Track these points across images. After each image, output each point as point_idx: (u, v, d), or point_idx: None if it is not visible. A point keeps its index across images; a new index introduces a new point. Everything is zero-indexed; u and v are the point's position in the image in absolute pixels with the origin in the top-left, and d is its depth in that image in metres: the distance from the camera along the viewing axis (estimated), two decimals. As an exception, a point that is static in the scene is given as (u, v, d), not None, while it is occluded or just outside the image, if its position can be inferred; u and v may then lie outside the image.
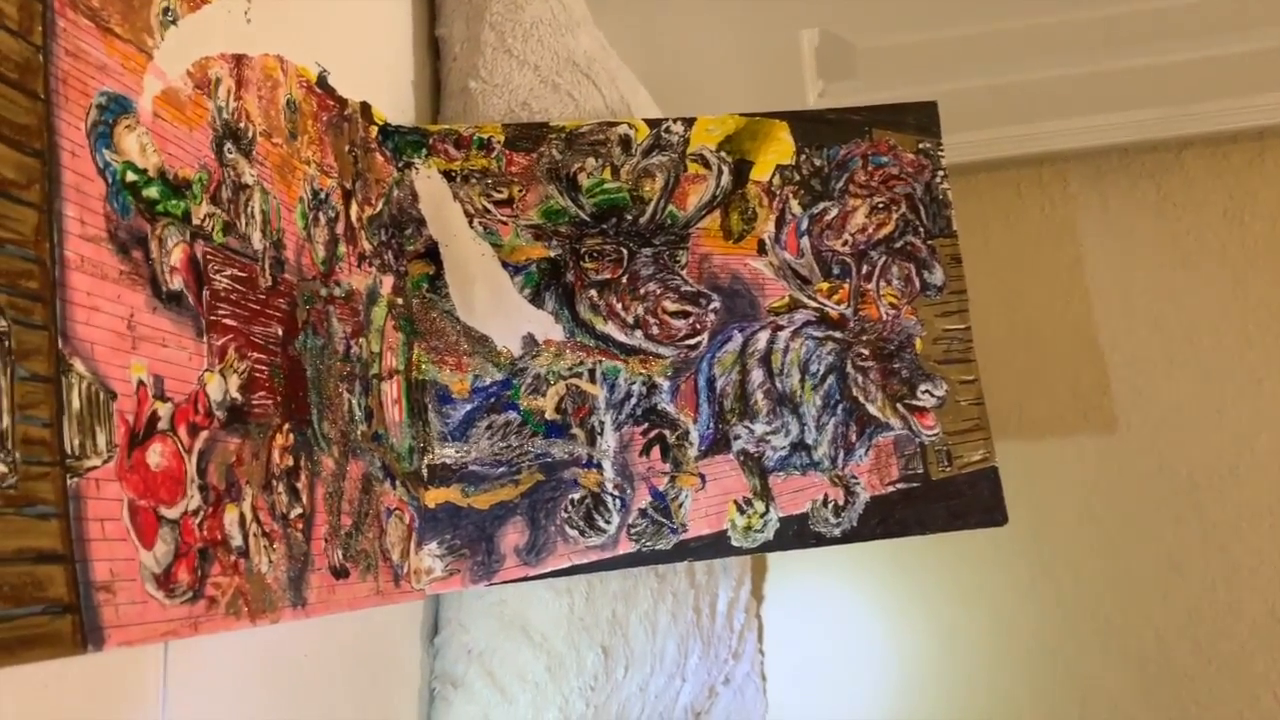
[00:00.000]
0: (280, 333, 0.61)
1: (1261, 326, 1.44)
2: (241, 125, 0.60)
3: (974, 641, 1.50)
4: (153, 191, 0.51)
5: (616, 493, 0.80)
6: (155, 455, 0.48)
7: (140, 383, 0.48)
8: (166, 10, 0.54)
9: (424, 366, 0.79)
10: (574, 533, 0.79)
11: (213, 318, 0.54)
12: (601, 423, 0.81)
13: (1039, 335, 1.53)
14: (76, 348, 0.44)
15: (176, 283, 0.51)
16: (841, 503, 0.84)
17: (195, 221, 0.54)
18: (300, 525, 0.60)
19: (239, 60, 0.60)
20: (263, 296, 0.60)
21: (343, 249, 0.71)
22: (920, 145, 0.90)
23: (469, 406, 0.79)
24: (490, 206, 0.82)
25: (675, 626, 1.02)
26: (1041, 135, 1.46)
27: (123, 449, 0.46)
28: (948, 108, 1.38)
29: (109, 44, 0.49)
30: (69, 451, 0.42)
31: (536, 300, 0.82)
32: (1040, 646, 1.47)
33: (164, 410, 0.49)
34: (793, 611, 1.58)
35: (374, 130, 0.78)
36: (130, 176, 0.49)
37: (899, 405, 0.86)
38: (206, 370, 0.53)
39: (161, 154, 0.52)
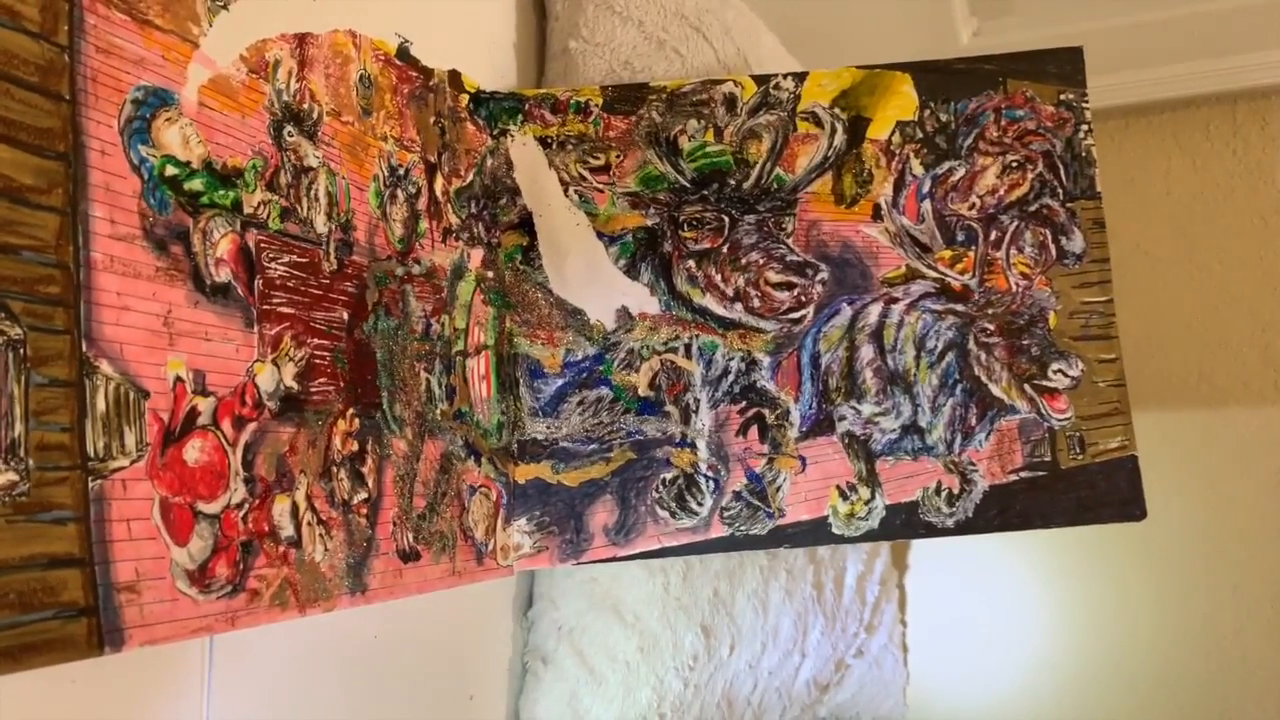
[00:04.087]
0: (345, 317, 0.60)
1: None
2: (305, 106, 0.59)
3: (1140, 620, 1.40)
4: (196, 183, 0.50)
5: (710, 474, 0.77)
6: (193, 451, 0.48)
7: (178, 379, 0.48)
8: (216, -5, 0.53)
9: (516, 340, 0.77)
10: (665, 514, 0.76)
11: (266, 307, 0.54)
12: (697, 400, 0.78)
13: (1226, 292, 1.38)
14: (104, 349, 0.44)
15: (223, 275, 0.51)
16: (956, 491, 0.78)
17: (247, 210, 0.54)
18: (364, 510, 0.60)
19: (302, 40, 0.59)
20: (326, 281, 0.59)
21: (424, 225, 0.70)
22: (1062, 96, 0.81)
23: (560, 381, 0.78)
24: (586, 173, 0.80)
25: (790, 604, 0.99)
26: (1236, 70, 1.31)
27: (155, 447, 0.46)
28: (1124, 42, 1.25)
29: (147, 36, 0.48)
30: (93, 454, 0.43)
31: (632, 271, 0.79)
32: (1213, 632, 1.35)
33: (205, 405, 0.49)
34: (943, 581, 1.51)
35: (464, 99, 0.76)
36: (170, 170, 0.49)
37: (1027, 386, 0.79)
38: (257, 361, 0.53)
39: (208, 144, 0.51)
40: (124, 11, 0.47)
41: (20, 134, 0.41)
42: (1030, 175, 0.81)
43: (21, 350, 0.40)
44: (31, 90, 0.42)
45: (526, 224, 0.79)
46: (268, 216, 0.55)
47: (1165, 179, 1.41)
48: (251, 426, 0.52)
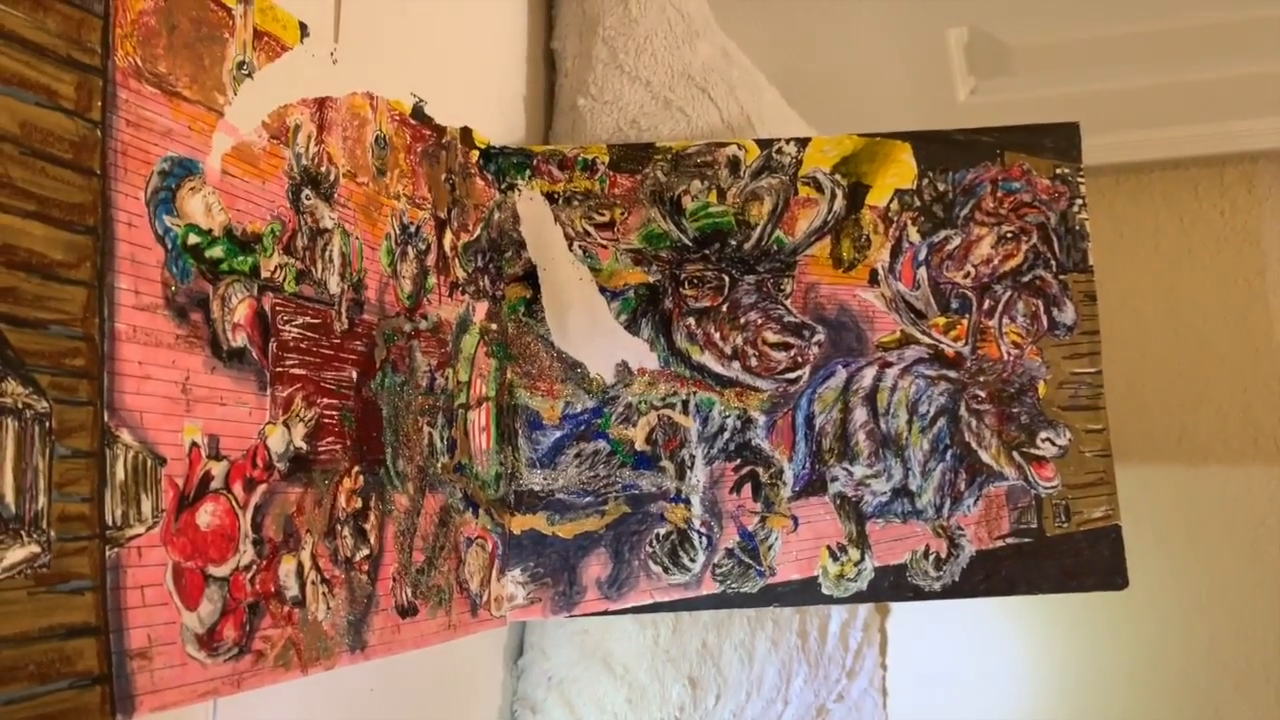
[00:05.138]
0: (354, 375, 0.62)
1: None
2: (323, 169, 0.60)
3: (1116, 673, 1.42)
4: (217, 251, 0.51)
5: (703, 530, 0.78)
6: (206, 515, 0.49)
7: (193, 444, 0.49)
8: (241, 64, 0.54)
9: (516, 391, 0.79)
10: (657, 569, 0.78)
11: (279, 369, 0.55)
12: (692, 456, 0.79)
13: (1209, 350, 1.40)
14: (124, 418, 0.45)
15: (239, 339, 0.52)
16: (944, 555, 0.79)
17: (265, 275, 0.55)
18: (365, 567, 0.61)
19: (322, 104, 0.61)
20: (337, 341, 0.60)
21: (432, 280, 0.71)
22: (1058, 170, 0.83)
23: (559, 433, 0.79)
24: (591, 229, 0.81)
25: (775, 653, 1.00)
26: (1225, 135, 1.33)
27: (170, 513, 0.47)
28: (1118, 104, 1.28)
29: (175, 108, 0.50)
30: (110, 523, 0.44)
31: (632, 327, 0.81)
32: (1188, 689, 1.37)
33: (218, 469, 0.50)
34: (924, 626, 1.52)
35: (474, 155, 0.78)
36: (193, 239, 0.50)
37: (1015, 453, 0.81)
38: (269, 423, 0.54)
39: (229, 211, 0.53)
40: (154, 85, 0.48)
41: (53, 210, 0.42)
42: (1024, 247, 0.83)
43: (47, 423, 0.41)
44: (65, 167, 0.43)
45: (531, 277, 0.80)
46: (284, 280, 0.56)
47: (1154, 236, 1.44)
48: (261, 488, 0.53)
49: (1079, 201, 0.83)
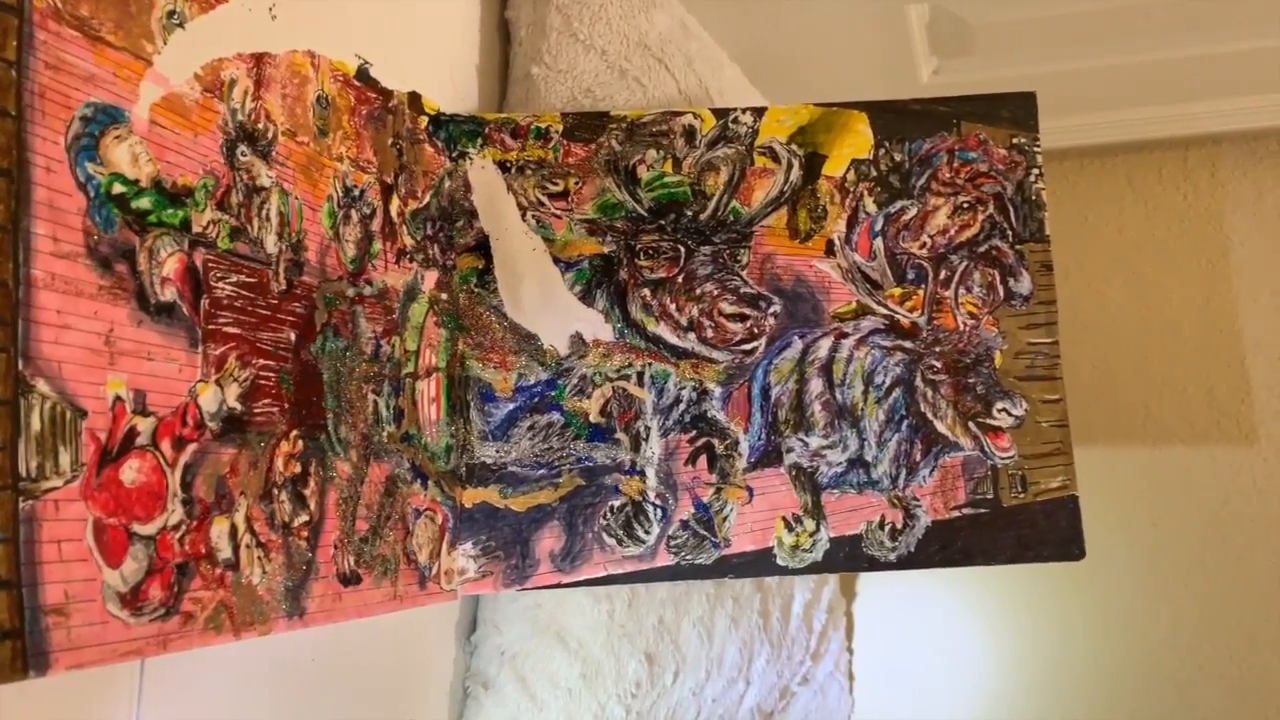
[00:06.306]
0: (292, 337, 0.60)
1: None
2: (260, 126, 0.59)
3: (1080, 655, 1.42)
4: (144, 202, 0.50)
5: (658, 502, 0.77)
6: (130, 472, 0.48)
7: (117, 398, 0.47)
8: (172, 14, 0.53)
9: (468, 363, 0.77)
10: (612, 541, 0.77)
11: (211, 327, 0.54)
12: (647, 428, 0.78)
13: (1174, 332, 1.41)
14: (41, 367, 0.43)
15: (168, 294, 0.51)
16: (899, 526, 0.78)
17: (196, 229, 0.53)
18: (305, 533, 0.60)
19: (259, 59, 0.59)
20: (274, 301, 0.59)
21: (377, 246, 0.70)
22: (1014, 140, 0.83)
23: (511, 406, 0.78)
24: (544, 199, 0.80)
25: (736, 631, 0.99)
26: (1189, 116, 1.34)
27: (91, 467, 0.45)
28: (1081, 85, 1.27)
29: (99, 53, 0.48)
30: (24, 474, 0.42)
31: (587, 298, 0.80)
32: (1154, 670, 1.37)
33: (144, 425, 0.49)
34: (891, 609, 1.52)
35: (423, 121, 0.76)
36: (117, 188, 0.48)
37: (971, 424, 0.80)
38: (200, 381, 0.53)
39: (158, 163, 0.51)
40: (75, 28, 0.47)
41: (-38, 150, 0.41)
42: (981, 217, 0.82)
43: (-46, 368, 0.40)
44: (-24, 106, 0.42)
45: (483, 247, 0.79)
46: (217, 236, 0.55)
47: (1118, 219, 1.44)
48: (192, 447, 0.52)
49: (1035, 171, 0.82)
